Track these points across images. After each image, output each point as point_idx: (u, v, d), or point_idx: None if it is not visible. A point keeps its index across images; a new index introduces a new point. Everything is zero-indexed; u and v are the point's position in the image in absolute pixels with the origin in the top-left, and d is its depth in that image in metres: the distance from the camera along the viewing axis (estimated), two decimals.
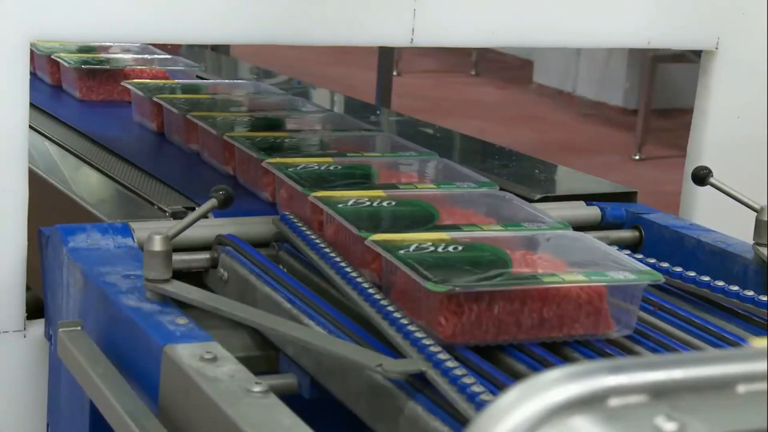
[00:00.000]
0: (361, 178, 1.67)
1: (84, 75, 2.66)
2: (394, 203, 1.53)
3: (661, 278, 1.33)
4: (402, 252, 1.32)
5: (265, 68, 3.59)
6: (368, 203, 1.51)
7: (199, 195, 1.77)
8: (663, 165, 5.93)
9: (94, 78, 2.66)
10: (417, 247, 1.34)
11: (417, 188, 1.61)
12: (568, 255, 1.38)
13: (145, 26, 1.63)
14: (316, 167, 1.70)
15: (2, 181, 1.57)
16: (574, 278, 1.28)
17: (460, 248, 1.36)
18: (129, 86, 2.43)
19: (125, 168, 2.03)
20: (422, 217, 1.49)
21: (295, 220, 1.59)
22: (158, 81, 2.57)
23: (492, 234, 1.43)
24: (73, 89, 2.68)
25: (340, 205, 1.49)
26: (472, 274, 1.28)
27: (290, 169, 1.67)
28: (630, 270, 1.32)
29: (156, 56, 2.85)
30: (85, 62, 2.68)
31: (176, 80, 2.61)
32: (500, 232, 1.45)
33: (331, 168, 1.70)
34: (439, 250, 1.35)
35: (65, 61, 2.68)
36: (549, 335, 1.29)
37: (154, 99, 2.26)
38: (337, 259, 1.44)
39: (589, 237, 1.47)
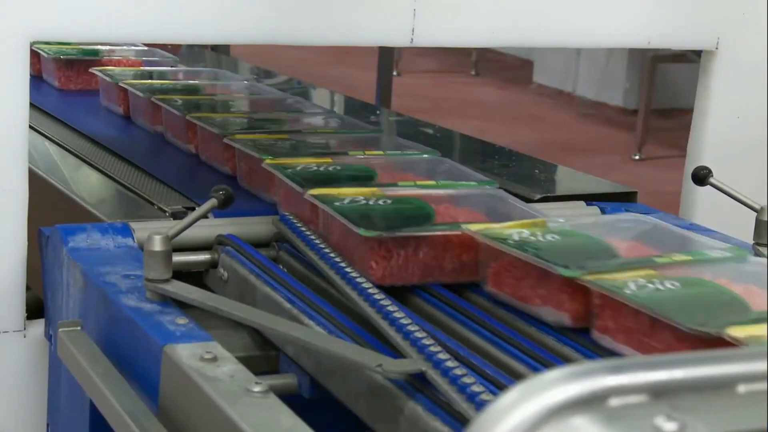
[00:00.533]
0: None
1: (63, 65, 2.75)
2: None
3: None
4: (338, 204, 1.47)
5: (265, 68, 3.59)
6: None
7: (161, 171, 1.96)
8: (663, 165, 5.93)
9: (72, 68, 2.76)
10: (351, 200, 1.50)
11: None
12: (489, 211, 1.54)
13: (145, 26, 1.63)
14: (273, 141, 1.87)
15: (2, 181, 1.57)
16: (483, 227, 1.42)
17: (389, 201, 1.52)
18: (96, 72, 2.57)
19: (125, 168, 2.03)
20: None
21: (295, 221, 1.59)
22: (126, 68, 2.69)
23: (418, 191, 1.59)
24: (53, 79, 2.77)
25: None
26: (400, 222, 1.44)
27: (250, 142, 1.83)
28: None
29: (134, 47, 2.92)
30: (64, 53, 2.75)
31: (144, 67, 2.74)
32: (427, 190, 1.59)
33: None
34: (371, 203, 1.50)
35: (45, 51, 2.77)
36: (469, 278, 1.42)
37: (120, 84, 2.39)
38: (337, 259, 1.44)
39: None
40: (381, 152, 1.84)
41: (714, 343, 1.12)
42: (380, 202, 1.53)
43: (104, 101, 2.52)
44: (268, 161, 1.71)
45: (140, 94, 2.29)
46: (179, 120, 2.10)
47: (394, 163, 1.78)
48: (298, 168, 1.65)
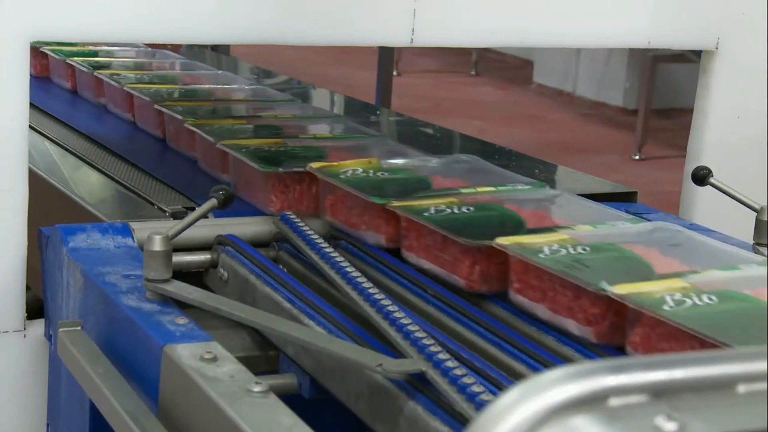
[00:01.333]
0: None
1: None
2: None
3: None
4: (244, 150, 1.78)
5: (265, 68, 3.59)
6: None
7: (106, 139, 2.24)
8: (663, 165, 5.93)
9: (35, 56, 2.88)
10: (256, 148, 1.81)
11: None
12: None
13: (145, 26, 1.63)
14: (198, 106, 2.22)
15: (2, 181, 1.57)
16: (323, 164, 1.70)
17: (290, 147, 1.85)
18: (47, 51, 2.84)
19: (125, 168, 2.03)
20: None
21: (296, 220, 1.59)
22: (74, 47, 2.86)
23: (319, 143, 1.93)
24: None
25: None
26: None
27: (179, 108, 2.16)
28: None
29: None
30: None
31: (90, 47, 2.93)
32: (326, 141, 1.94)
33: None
34: (272, 149, 1.81)
35: None
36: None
37: (67, 61, 2.72)
38: (338, 259, 1.44)
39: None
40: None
41: (485, 250, 1.38)
42: (281, 148, 1.83)
43: (55, 78, 2.84)
44: (189, 122, 2.02)
45: (85, 70, 2.62)
46: (120, 93, 2.43)
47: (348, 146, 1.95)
48: (215, 127, 1.99)
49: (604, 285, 1.25)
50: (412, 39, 1.78)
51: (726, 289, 1.33)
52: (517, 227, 1.48)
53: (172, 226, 1.40)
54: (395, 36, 1.78)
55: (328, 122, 2.23)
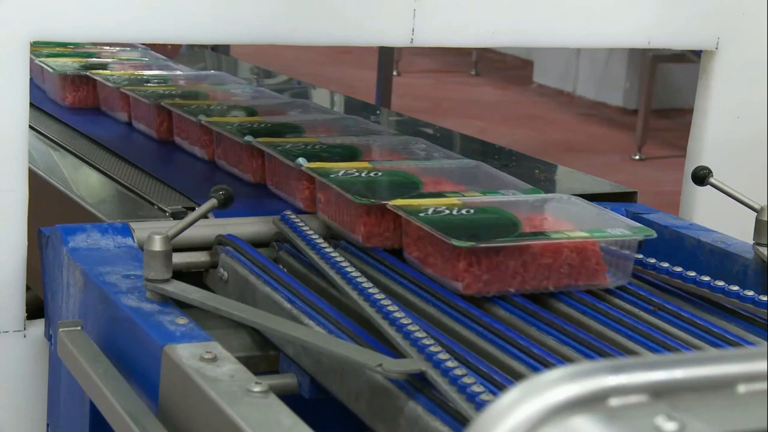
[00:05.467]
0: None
1: None
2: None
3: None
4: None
5: (265, 68, 3.59)
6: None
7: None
8: (663, 165, 5.93)
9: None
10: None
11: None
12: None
13: (145, 26, 1.63)
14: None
15: (2, 181, 1.57)
16: (215, 118, 2.09)
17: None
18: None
19: (125, 167, 2.03)
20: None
21: (296, 220, 1.59)
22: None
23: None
24: None
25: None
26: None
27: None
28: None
29: None
30: None
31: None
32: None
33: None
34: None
35: None
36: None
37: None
38: (338, 259, 1.44)
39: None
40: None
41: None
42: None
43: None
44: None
45: (50, 70, 2.61)
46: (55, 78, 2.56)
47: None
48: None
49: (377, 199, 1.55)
50: (412, 39, 1.78)
51: (490, 206, 1.58)
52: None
53: (172, 226, 1.40)
54: (395, 36, 1.78)
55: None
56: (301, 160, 1.73)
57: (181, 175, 2.00)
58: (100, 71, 2.57)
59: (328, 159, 1.78)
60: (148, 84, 2.46)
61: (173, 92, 2.35)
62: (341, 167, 1.71)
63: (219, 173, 2.01)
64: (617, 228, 1.51)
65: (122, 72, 2.61)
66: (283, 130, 2.01)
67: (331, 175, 1.66)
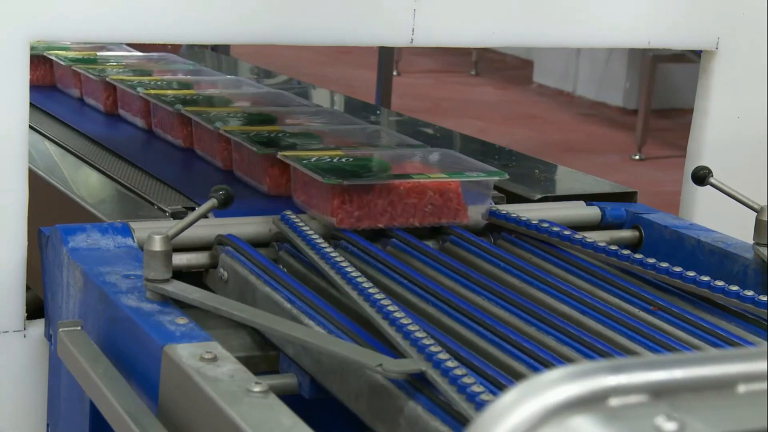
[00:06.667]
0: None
1: None
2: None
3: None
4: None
5: (265, 68, 3.58)
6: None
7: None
8: (663, 165, 5.93)
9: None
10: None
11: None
12: None
13: (145, 26, 1.63)
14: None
15: (2, 181, 1.57)
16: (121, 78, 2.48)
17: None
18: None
19: (125, 167, 2.03)
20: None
21: (296, 220, 1.59)
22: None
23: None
24: None
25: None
26: None
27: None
28: None
29: None
30: None
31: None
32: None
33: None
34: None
35: None
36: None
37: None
38: (338, 259, 1.44)
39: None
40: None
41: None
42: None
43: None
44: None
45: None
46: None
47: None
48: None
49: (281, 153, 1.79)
50: (412, 39, 1.78)
51: (369, 156, 1.83)
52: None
53: (172, 226, 1.40)
54: (395, 36, 1.78)
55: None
56: (218, 124, 2.01)
57: (124, 142, 2.26)
58: (56, 52, 2.77)
59: (247, 124, 2.05)
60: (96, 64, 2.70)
61: (121, 71, 2.62)
62: (254, 129, 1.99)
63: (155, 140, 2.29)
64: (474, 171, 1.76)
65: (77, 52, 2.82)
66: (213, 102, 2.29)
67: (243, 135, 1.93)
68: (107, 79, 2.47)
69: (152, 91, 2.33)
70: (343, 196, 1.64)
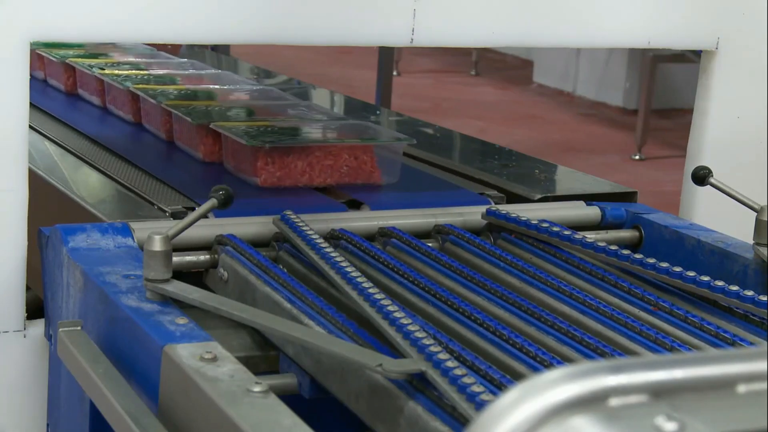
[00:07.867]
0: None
1: None
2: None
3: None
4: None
5: (265, 68, 3.58)
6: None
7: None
8: (663, 165, 5.93)
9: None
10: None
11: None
12: None
13: (145, 26, 1.63)
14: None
15: (2, 181, 1.57)
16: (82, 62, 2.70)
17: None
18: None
19: (125, 167, 2.03)
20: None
21: (296, 220, 1.59)
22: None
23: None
24: None
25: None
26: None
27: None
28: None
29: None
30: None
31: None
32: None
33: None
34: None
35: None
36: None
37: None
38: (338, 259, 1.44)
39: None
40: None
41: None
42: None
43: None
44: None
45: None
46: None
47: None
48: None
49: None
50: (412, 39, 1.78)
51: (296, 127, 2.09)
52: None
53: (172, 226, 1.40)
54: (395, 36, 1.78)
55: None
56: (160, 98, 2.25)
57: (81, 118, 2.47)
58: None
59: (187, 100, 2.28)
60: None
61: (80, 54, 2.83)
62: (195, 104, 2.23)
63: (108, 116, 2.50)
64: (385, 136, 2.07)
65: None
66: (163, 80, 2.53)
67: (182, 109, 2.15)
68: (67, 61, 2.72)
69: (107, 72, 2.59)
70: (266, 158, 1.89)
